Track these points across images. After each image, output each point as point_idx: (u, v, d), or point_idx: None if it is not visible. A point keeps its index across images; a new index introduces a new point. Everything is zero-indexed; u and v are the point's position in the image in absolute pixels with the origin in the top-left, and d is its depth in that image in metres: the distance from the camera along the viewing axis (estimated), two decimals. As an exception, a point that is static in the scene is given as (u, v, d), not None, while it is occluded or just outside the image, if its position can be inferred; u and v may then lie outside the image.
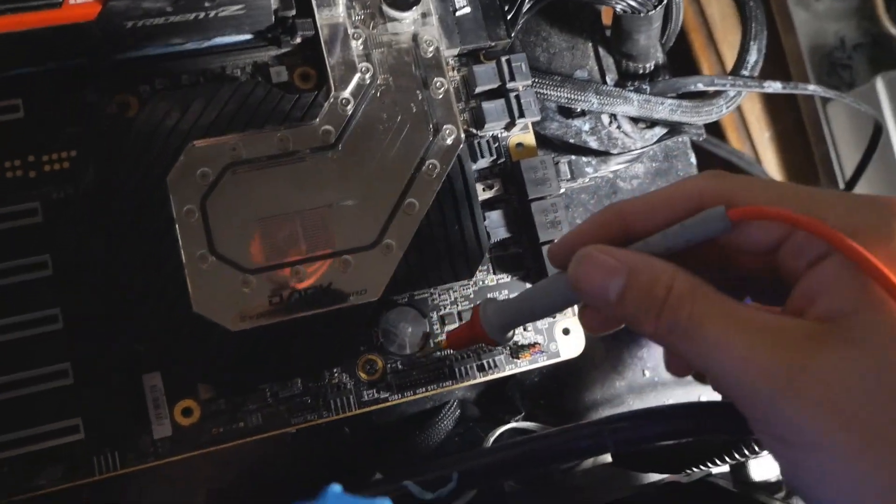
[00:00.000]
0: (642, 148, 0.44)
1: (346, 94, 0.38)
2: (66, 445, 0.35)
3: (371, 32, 0.39)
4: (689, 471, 0.39)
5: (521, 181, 0.39)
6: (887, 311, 0.23)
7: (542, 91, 0.42)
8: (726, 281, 0.30)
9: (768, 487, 0.41)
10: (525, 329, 0.40)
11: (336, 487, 0.23)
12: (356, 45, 0.38)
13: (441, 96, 0.39)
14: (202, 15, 0.35)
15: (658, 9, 0.40)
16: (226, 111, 0.37)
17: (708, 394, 0.46)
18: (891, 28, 0.62)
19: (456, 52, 0.40)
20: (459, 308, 0.40)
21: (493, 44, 0.40)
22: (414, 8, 0.38)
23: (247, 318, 0.36)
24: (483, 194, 0.40)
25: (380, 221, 0.38)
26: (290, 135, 0.37)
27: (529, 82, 0.39)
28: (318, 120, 0.37)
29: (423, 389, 0.39)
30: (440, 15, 0.39)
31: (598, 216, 0.30)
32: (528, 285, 0.40)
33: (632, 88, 0.43)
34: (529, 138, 0.41)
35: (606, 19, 0.45)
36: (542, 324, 0.40)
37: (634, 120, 0.44)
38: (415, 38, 0.39)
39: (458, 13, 0.39)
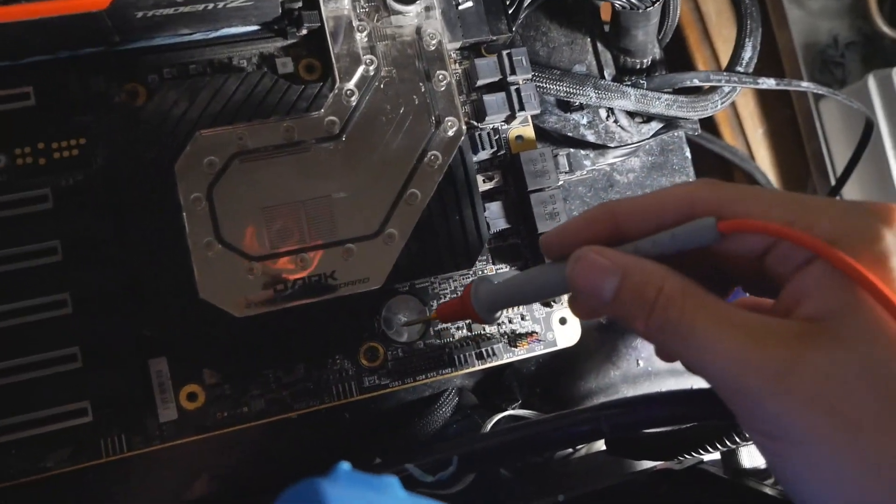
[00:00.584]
0: (639, 142, 0.45)
1: (351, 85, 0.38)
2: (74, 428, 0.36)
3: (375, 25, 0.39)
4: (680, 458, 0.40)
5: (520, 173, 0.40)
6: (871, 312, 0.24)
7: (541, 85, 0.42)
8: (719, 278, 0.31)
9: (759, 474, 0.42)
10: (523, 318, 0.41)
11: (345, 465, 0.24)
12: (361, 38, 0.39)
13: (443, 89, 0.39)
14: (210, 6, 0.36)
15: (656, 5, 0.41)
16: (232, 101, 0.38)
17: (701, 382, 0.47)
18: (883, 27, 0.63)
19: (458, 45, 0.41)
20: (459, 297, 0.40)
21: (494, 38, 0.41)
22: (418, 1, 0.39)
23: (251, 304, 0.37)
24: (483, 186, 0.41)
25: (382, 211, 0.38)
26: (296, 125, 0.38)
27: (530, 76, 0.40)
28: (322, 111, 0.38)
29: (423, 376, 0.40)
30: (443, 9, 0.40)
31: (591, 212, 0.31)
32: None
33: (629, 83, 0.44)
34: (529, 131, 0.42)
35: (605, 15, 0.46)
36: (540, 313, 0.41)
37: (631, 114, 0.45)
38: (418, 31, 0.40)
39: (460, 7, 0.40)
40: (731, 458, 0.41)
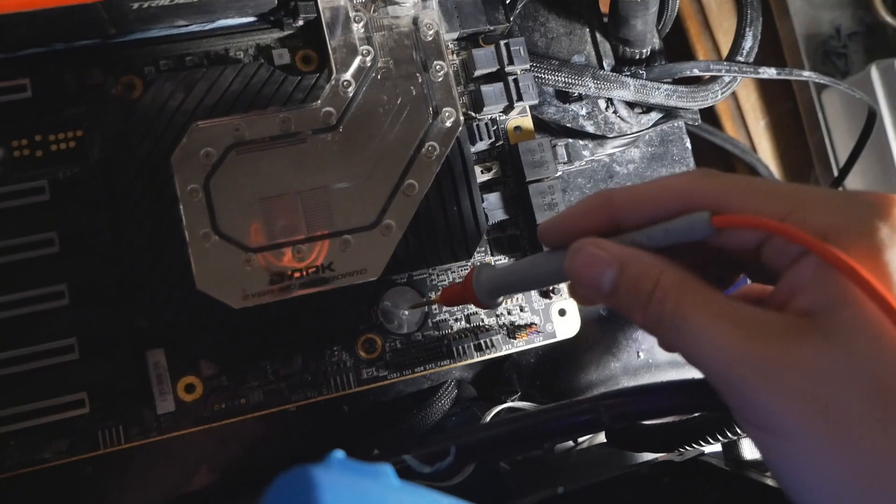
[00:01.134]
0: (638, 132, 0.45)
1: (348, 76, 0.38)
2: (72, 419, 0.36)
3: (372, 16, 0.39)
4: (681, 450, 0.40)
5: (518, 163, 0.40)
6: (861, 308, 0.24)
7: (539, 75, 0.42)
8: (723, 265, 0.31)
9: (760, 466, 0.41)
10: (521, 310, 0.41)
11: (339, 453, 0.24)
12: (357, 28, 0.39)
13: (441, 79, 0.39)
14: (206, -3, 0.36)
15: (654, -6, 0.40)
16: (229, 93, 0.38)
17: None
18: (886, 16, 0.63)
19: (455, 35, 0.41)
20: (458, 288, 0.40)
21: (492, 28, 0.40)
22: (414, -8, 0.39)
23: (249, 296, 0.37)
24: (481, 177, 0.41)
25: (380, 202, 0.38)
26: (292, 116, 0.38)
27: (528, 66, 0.40)
28: (319, 102, 0.38)
29: (422, 368, 0.40)
30: (440, -1, 0.40)
31: (588, 201, 0.31)
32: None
33: (628, 73, 0.44)
34: (527, 122, 0.42)
35: (604, 6, 0.46)
36: (539, 304, 0.41)
37: (631, 105, 0.45)
38: (415, 21, 0.39)
39: (457, -3, 0.40)
40: (732, 449, 0.41)
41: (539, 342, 0.41)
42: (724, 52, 0.62)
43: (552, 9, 0.46)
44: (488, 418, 0.42)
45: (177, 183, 0.37)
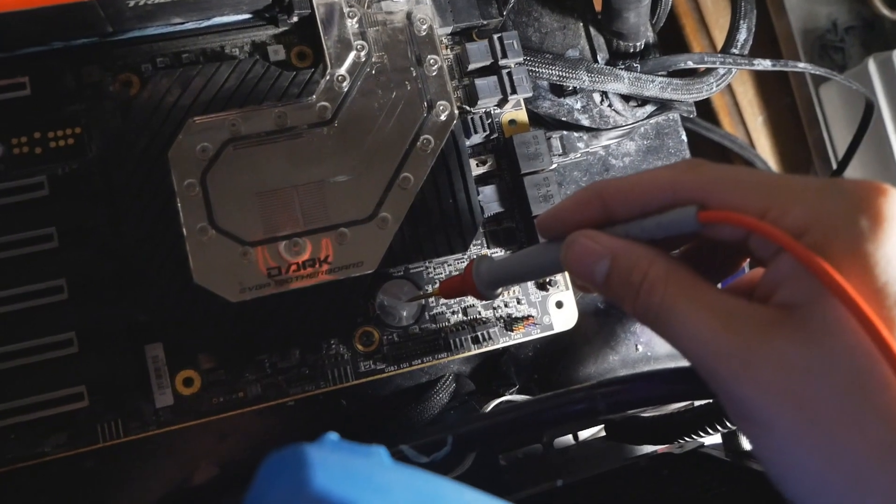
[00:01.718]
0: (633, 123, 0.45)
1: (342, 71, 0.39)
2: (71, 413, 0.36)
3: (366, 11, 0.40)
4: (681, 441, 0.40)
5: (513, 156, 0.40)
6: (835, 313, 0.24)
7: (533, 69, 0.43)
8: (724, 252, 0.31)
9: (759, 456, 0.41)
10: (518, 302, 0.41)
11: (333, 434, 0.24)
12: (351, 24, 0.39)
13: (435, 73, 0.40)
14: (201, -6, 0.36)
15: (647, -13, 0.41)
16: (225, 88, 0.38)
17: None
18: (883, 9, 0.63)
19: (449, 30, 0.41)
20: (454, 281, 0.40)
21: (485, 22, 0.41)
22: (408, -13, 0.39)
23: (246, 289, 0.37)
24: (476, 170, 0.41)
25: (376, 195, 0.38)
26: (288, 111, 0.38)
27: (521, 59, 0.40)
28: (314, 96, 0.38)
29: (419, 361, 0.40)
30: (433, -6, 0.40)
31: (581, 193, 0.32)
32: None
33: (623, 67, 0.44)
34: (522, 115, 0.42)
35: (597, 2, 0.46)
36: (536, 297, 0.41)
37: (626, 98, 0.45)
38: (409, 16, 0.40)
39: (451, -7, 0.40)
40: (732, 440, 0.41)
41: (536, 334, 0.41)
42: (719, 47, 0.62)
43: (545, 4, 0.46)
44: (486, 410, 0.42)
45: (174, 178, 0.37)
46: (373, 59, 0.39)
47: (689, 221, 0.28)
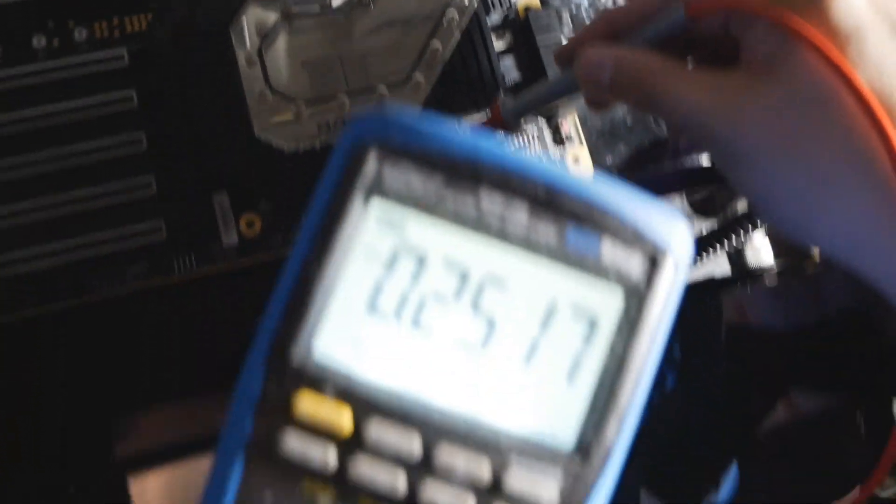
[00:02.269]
0: None
1: (378, -44, 0.45)
2: (150, 245, 0.41)
3: None
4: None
5: (529, 30, 0.46)
6: (803, 53, 0.30)
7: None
8: (706, 49, 0.36)
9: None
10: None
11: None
12: (384, -82, 0.45)
13: (458, -41, 0.45)
14: None
15: None
16: (277, -26, 0.44)
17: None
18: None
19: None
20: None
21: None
22: None
23: (300, 140, 0.42)
24: (497, 43, 0.46)
25: (409, 62, 0.44)
26: (332, -9, 0.44)
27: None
28: (354, -20, 0.44)
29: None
30: None
31: (591, 23, 0.38)
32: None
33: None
34: (535, 1, 0.47)
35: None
36: (554, 152, 0.46)
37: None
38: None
39: None
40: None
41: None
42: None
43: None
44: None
45: (236, 50, 0.43)
46: (404, -51, 0.45)
47: (678, 18, 0.33)
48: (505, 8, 0.46)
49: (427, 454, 0.23)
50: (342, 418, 0.23)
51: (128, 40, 0.43)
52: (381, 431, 0.23)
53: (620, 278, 0.24)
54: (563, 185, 0.24)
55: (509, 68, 0.46)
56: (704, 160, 0.42)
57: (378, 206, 0.24)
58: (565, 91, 0.39)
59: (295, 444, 0.23)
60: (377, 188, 0.24)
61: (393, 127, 0.24)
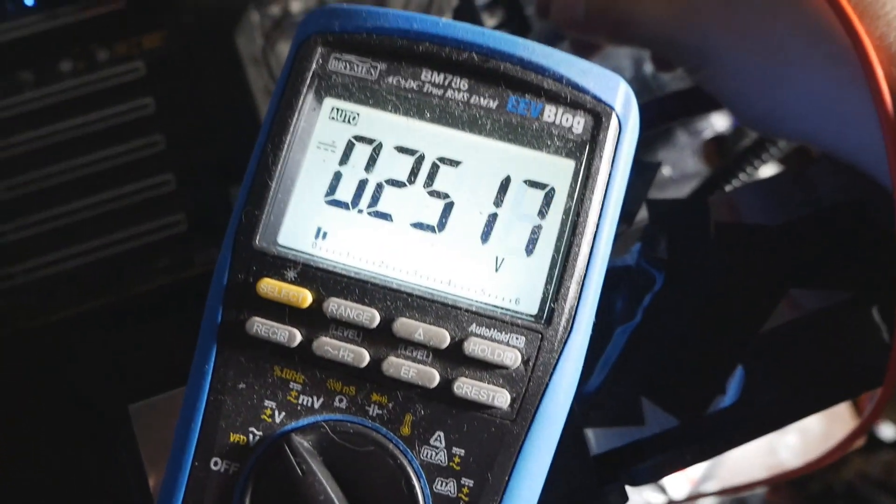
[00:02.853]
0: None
1: (367, -48, 0.47)
2: (172, 239, 0.43)
3: None
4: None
5: (518, 2, 0.47)
6: None
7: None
8: None
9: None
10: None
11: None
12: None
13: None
14: None
15: None
16: (275, -21, 0.47)
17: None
18: None
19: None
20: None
21: None
22: None
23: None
24: (490, 21, 0.48)
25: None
26: (326, -12, 0.47)
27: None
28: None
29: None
30: None
31: None
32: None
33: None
34: (524, -23, 0.49)
35: None
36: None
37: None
38: None
39: None
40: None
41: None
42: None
43: None
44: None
45: (242, 51, 0.46)
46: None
47: None
48: (493, -18, 0.48)
49: (387, 327, 0.24)
50: (302, 298, 0.24)
51: (145, 55, 0.47)
52: (340, 308, 0.24)
53: (566, 141, 0.24)
54: (500, 49, 0.25)
55: (504, 41, 0.47)
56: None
57: (329, 104, 0.26)
58: (549, 40, 0.40)
59: (260, 324, 0.24)
60: (327, 86, 0.25)
61: (334, 15, 0.25)
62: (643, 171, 0.31)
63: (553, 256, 0.24)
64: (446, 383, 0.23)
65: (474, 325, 0.24)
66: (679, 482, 0.69)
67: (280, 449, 0.23)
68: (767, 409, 0.30)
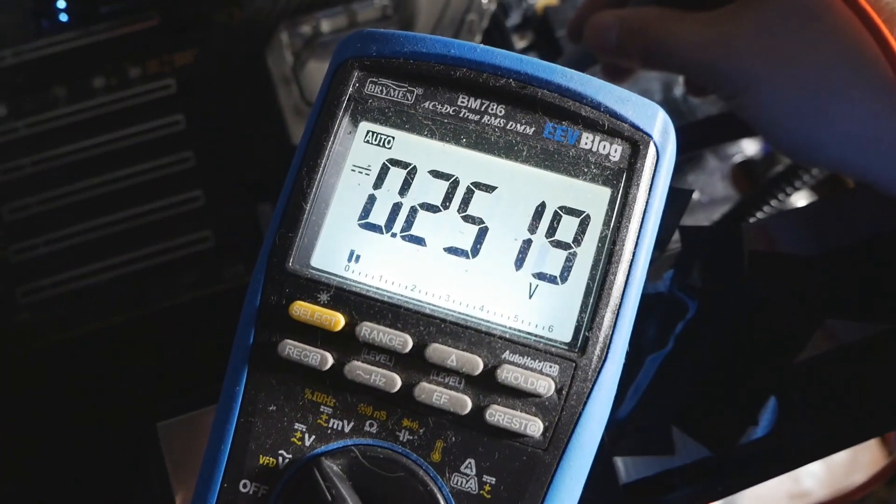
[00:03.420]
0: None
1: (398, -27, 0.48)
2: (200, 254, 0.43)
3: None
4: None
5: (549, 25, 0.47)
6: None
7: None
8: None
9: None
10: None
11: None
12: (402, -61, 0.48)
13: (474, -32, 0.48)
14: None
15: None
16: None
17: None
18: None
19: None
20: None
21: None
22: None
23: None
24: (519, 43, 0.48)
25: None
26: (357, 9, 0.47)
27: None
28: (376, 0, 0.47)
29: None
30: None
31: None
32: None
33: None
34: (554, 0, 0.49)
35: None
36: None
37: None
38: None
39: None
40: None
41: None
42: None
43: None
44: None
45: (272, 70, 0.46)
46: (423, -36, 0.48)
47: None
48: (524, 8, 0.48)
49: (420, 353, 0.23)
50: (335, 322, 0.24)
51: (176, 73, 0.47)
52: (373, 333, 0.24)
53: (603, 169, 0.24)
54: (538, 76, 0.25)
55: (533, 63, 0.47)
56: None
57: (365, 127, 0.26)
58: (581, 64, 0.40)
59: (292, 347, 0.24)
60: (363, 109, 0.25)
61: (372, 39, 0.25)
62: (676, 197, 0.31)
63: (588, 284, 0.24)
64: (478, 410, 0.23)
65: (507, 352, 0.23)
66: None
67: (309, 472, 0.23)
68: (801, 441, 0.29)
